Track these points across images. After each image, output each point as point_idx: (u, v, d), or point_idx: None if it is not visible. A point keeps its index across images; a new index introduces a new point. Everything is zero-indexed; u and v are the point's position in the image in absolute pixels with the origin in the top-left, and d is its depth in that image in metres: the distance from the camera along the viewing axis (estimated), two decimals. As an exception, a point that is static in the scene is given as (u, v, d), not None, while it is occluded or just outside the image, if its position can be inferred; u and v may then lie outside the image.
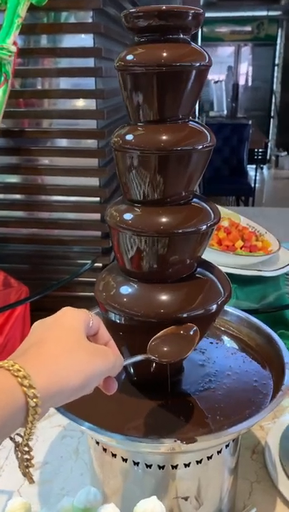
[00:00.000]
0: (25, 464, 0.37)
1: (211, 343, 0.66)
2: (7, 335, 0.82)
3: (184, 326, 0.51)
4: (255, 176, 4.11)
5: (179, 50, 0.47)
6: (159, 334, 0.50)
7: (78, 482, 0.68)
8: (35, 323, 0.40)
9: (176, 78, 0.47)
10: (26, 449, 0.36)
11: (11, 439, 0.36)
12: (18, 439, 0.36)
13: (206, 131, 0.50)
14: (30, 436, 0.35)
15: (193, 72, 0.47)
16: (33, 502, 0.65)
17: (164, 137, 0.48)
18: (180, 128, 0.49)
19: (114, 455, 0.53)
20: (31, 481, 0.38)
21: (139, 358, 0.49)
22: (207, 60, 0.48)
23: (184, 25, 0.47)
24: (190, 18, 0.47)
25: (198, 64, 0.47)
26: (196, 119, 0.53)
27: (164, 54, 0.46)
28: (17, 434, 0.36)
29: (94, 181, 0.98)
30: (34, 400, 0.33)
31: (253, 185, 3.90)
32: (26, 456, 0.36)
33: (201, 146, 0.49)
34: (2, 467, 0.71)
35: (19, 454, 0.37)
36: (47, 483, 0.68)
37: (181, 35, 0.47)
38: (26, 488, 0.67)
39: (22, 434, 0.36)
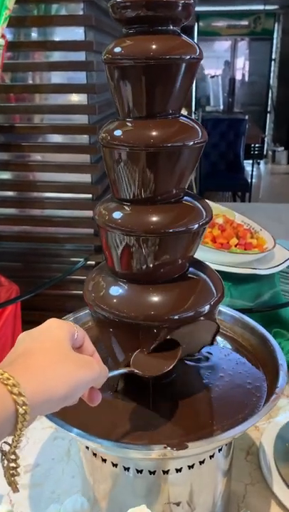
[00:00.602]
0: (11, 472, 0.37)
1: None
2: None
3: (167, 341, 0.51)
4: (252, 171, 4.09)
5: (169, 42, 0.45)
6: (139, 350, 0.51)
7: (69, 485, 0.67)
8: (21, 335, 0.41)
9: (165, 71, 0.45)
10: (13, 457, 0.36)
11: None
12: (6, 447, 0.36)
13: (197, 127, 0.49)
14: (17, 444, 0.35)
15: (184, 66, 0.45)
16: (23, 506, 0.64)
17: (154, 133, 0.46)
18: (170, 123, 0.48)
19: (104, 460, 0.52)
20: (16, 490, 0.38)
21: (123, 371, 0.50)
22: (198, 52, 0.46)
23: (174, 16, 0.45)
24: (180, 8, 0.45)
25: (188, 57, 0.45)
26: (193, 114, 0.51)
27: (153, 46, 0.44)
28: (4, 443, 0.36)
29: (86, 178, 0.97)
30: (23, 407, 0.33)
31: (249, 180, 3.89)
32: (12, 465, 0.36)
33: (191, 143, 0.47)
34: (-8, 470, 0.70)
35: (5, 462, 0.37)
36: (38, 487, 0.67)
37: (171, 27, 0.46)
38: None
39: (10, 442, 0.36)
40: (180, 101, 0.47)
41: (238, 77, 6.04)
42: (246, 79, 6.08)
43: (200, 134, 0.48)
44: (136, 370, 0.49)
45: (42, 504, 0.64)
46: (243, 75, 6.10)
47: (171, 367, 0.50)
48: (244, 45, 6.03)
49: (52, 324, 0.41)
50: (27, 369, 0.36)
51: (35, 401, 0.35)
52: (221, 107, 5.51)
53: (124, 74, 0.46)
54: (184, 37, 0.46)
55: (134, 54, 0.45)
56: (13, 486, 0.37)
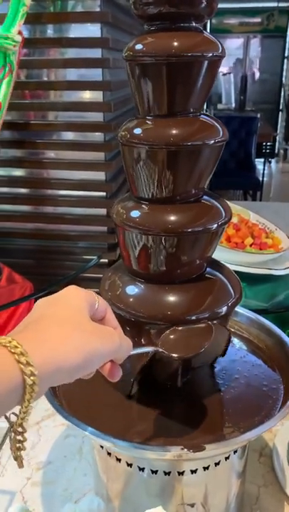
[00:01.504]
0: (17, 445, 0.35)
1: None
2: (10, 331, 0.81)
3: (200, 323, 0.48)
4: (263, 169, 4.06)
5: (191, 40, 0.44)
6: (172, 329, 0.48)
7: (82, 483, 0.67)
8: (39, 301, 0.38)
9: (187, 69, 0.45)
10: (20, 429, 0.34)
11: (6, 418, 0.35)
12: (14, 418, 0.34)
13: (217, 126, 0.48)
14: (25, 416, 0.33)
15: (206, 63, 0.45)
16: (36, 503, 0.64)
17: (174, 131, 0.46)
18: (191, 122, 0.47)
19: (118, 459, 0.52)
20: (21, 465, 0.36)
21: (148, 349, 0.47)
22: (220, 50, 0.45)
23: (197, 12, 0.45)
24: (203, 5, 0.44)
25: (210, 54, 0.45)
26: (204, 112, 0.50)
27: (175, 43, 0.44)
28: (13, 413, 0.34)
29: (100, 175, 0.96)
30: (31, 378, 0.32)
31: (260, 179, 3.86)
32: (19, 438, 0.35)
33: (212, 141, 0.47)
34: (5, 466, 0.70)
35: (12, 434, 0.35)
36: (50, 484, 0.67)
37: (194, 24, 0.45)
38: (29, 488, 0.66)
39: (18, 413, 0.34)
40: (201, 99, 0.47)
41: (250, 74, 5.99)
42: (258, 77, 6.03)
43: (220, 132, 0.48)
44: (163, 350, 0.46)
45: (55, 502, 0.64)
46: (255, 73, 6.05)
47: (202, 349, 0.46)
48: (256, 43, 5.98)
49: (70, 291, 0.39)
50: (37, 337, 0.34)
51: (45, 371, 0.32)
52: (233, 105, 5.47)
53: (145, 71, 0.46)
54: (206, 34, 0.46)
55: (155, 51, 0.44)
56: (19, 460, 0.36)
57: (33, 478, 0.68)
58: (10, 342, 0.32)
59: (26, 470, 0.69)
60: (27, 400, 0.32)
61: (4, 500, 0.64)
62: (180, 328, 0.48)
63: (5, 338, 0.32)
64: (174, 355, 0.46)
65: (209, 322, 0.48)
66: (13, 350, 0.31)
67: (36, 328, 0.35)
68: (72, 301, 0.38)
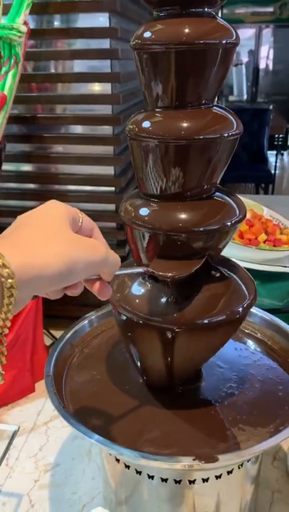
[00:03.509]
0: None
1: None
2: (18, 330, 0.79)
3: None
4: (276, 162, 4.00)
5: (203, 26, 0.42)
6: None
7: (90, 487, 0.65)
8: (20, 215, 0.37)
9: (199, 58, 0.42)
10: None
11: None
12: None
13: (231, 118, 0.45)
14: (5, 323, 0.32)
15: (219, 51, 0.42)
16: (43, 506, 0.62)
17: (185, 124, 0.43)
18: (202, 114, 0.44)
19: (127, 466, 0.50)
20: (2, 378, 0.34)
21: (138, 269, 0.46)
22: (234, 37, 0.43)
23: (209, -4, 0.42)
24: (216, -12, 0.41)
25: (224, 41, 0.42)
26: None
27: (186, 30, 0.41)
28: None
29: (109, 170, 0.93)
30: (9, 280, 0.30)
31: (273, 171, 3.80)
32: None
33: (226, 134, 0.44)
34: (12, 467, 0.69)
35: None
36: (58, 487, 0.66)
37: (206, 9, 0.42)
38: (36, 491, 0.65)
39: None
40: (214, 89, 0.44)
41: (262, 65, 5.89)
42: (270, 68, 5.93)
43: (235, 125, 0.45)
44: (153, 270, 0.45)
45: (62, 505, 0.63)
46: (268, 64, 5.94)
47: (193, 270, 0.45)
48: (269, 33, 5.87)
49: (51, 204, 0.37)
50: (15, 241, 0.33)
51: (24, 276, 0.31)
52: (245, 97, 5.39)
53: (154, 60, 0.43)
54: (220, 19, 0.43)
55: (165, 39, 0.42)
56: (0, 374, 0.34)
57: (41, 481, 0.66)
58: None
59: (34, 472, 0.68)
60: (6, 305, 0.31)
61: (11, 503, 0.63)
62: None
63: None
64: (161, 273, 0.44)
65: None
66: None
67: (14, 235, 0.34)
68: (52, 212, 0.36)
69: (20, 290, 0.31)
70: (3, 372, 0.34)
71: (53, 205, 0.37)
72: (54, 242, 0.34)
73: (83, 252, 0.35)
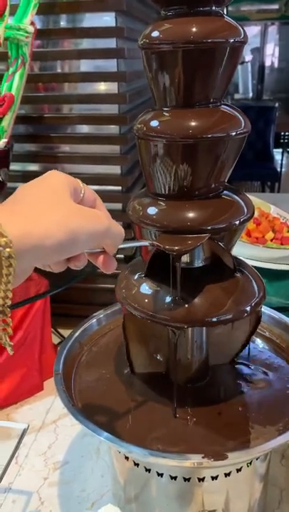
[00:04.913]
0: (1, 328, 0.33)
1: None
2: (26, 329, 0.80)
3: None
4: (282, 160, 3.98)
5: (211, 25, 0.42)
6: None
7: (99, 484, 0.65)
8: (20, 186, 0.36)
9: (206, 56, 0.42)
10: (1, 308, 0.31)
11: None
12: None
13: (239, 116, 0.45)
14: (7, 294, 0.31)
15: (227, 50, 0.42)
16: (53, 504, 0.63)
17: (193, 123, 0.43)
18: (210, 113, 0.44)
19: (136, 464, 0.50)
20: (11, 351, 0.34)
21: (143, 243, 0.45)
22: (242, 35, 0.43)
23: (217, -5, 0.42)
24: (224, -14, 0.41)
25: (232, 40, 0.42)
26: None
27: (194, 29, 0.41)
28: None
29: (115, 169, 0.94)
30: (7, 249, 0.29)
31: (279, 169, 3.78)
32: (3, 321, 0.32)
33: (234, 133, 0.44)
34: (22, 465, 0.69)
35: None
36: (67, 484, 0.66)
37: (214, 8, 0.42)
38: (46, 489, 0.65)
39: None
40: (222, 88, 0.44)
41: (268, 63, 5.86)
42: (276, 65, 5.90)
43: (242, 123, 0.45)
44: (159, 244, 0.44)
45: (71, 502, 0.63)
46: (273, 61, 5.91)
47: (200, 243, 0.44)
48: (274, 30, 5.84)
49: (52, 174, 0.36)
50: (13, 210, 0.32)
51: (23, 245, 0.30)
52: (250, 95, 5.37)
53: (162, 60, 0.43)
54: (227, 18, 0.43)
55: (172, 38, 0.42)
56: (8, 346, 0.33)
57: (50, 478, 0.67)
58: None
59: (43, 470, 0.68)
60: (5, 275, 0.30)
61: (21, 501, 0.64)
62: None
63: None
64: (167, 247, 0.44)
65: None
66: None
67: (13, 204, 0.33)
68: (53, 182, 0.35)
69: (20, 260, 0.30)
70: (12, 343, 0.33)
71: (53, 175, 0.36)
72: (54, 211, 0.32)
73: (85, 222, 0.34)
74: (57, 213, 0.32)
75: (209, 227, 0.45)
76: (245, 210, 0.47)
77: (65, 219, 0.32)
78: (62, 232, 0.32)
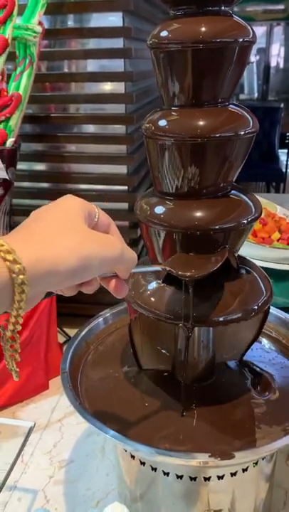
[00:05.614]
0: (9, 353, 0.33)
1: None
2: (32, 328, 0.80)
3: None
4: (287, 160, 3.97)
5: (220, 24, 0.42)
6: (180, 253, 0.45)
7: (104, 483, 0.66)
8: (34, 210, 0.36)
9: (215, 56, 0.42)
10: (9, 334, 0.32)
11: None
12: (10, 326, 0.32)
13: (247, 116, 0.45)
14: (17, 320, 0.31)
15: (236, 49, 0.42)
16: (58, 502, 0.63)
17: (201, 123, 0.43)
18: (219, 112, 0.45)
19: (142, 463, 0.50)
20: (17, 376, 0.34)
21: (155, 268, 0.45)
22: (251, 35, 0.43)
23: (226, -6, 0.42)
24: (233, -14, 0.41)
25: (241, 40, 0.42)
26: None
27: (203, 29, 0.41)
28: (5, 321, 0.32)
29: (122, 169, 0.94)
30: (20, 276, 0.29)
31: (284, 170, 3.78)
32: (11, 347, 0.32)
33: (242, 132, 0.44)
34: (27, 464, 0.69)
35: (5, 343, 0.33)
36: (72, 483, 0.66)
37: (222, 7, 0.42)
38: (51, 487, 0.65)
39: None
40: (230, 88, 0.44)
41: (273, 63, 5.85)
42: (281, 65, 5.88)
43: (251, 123, 0.45)
44: (171, 269, 0.43)
45: (77, 500, 0.63)
46: (278, 62, 5.90)
47: (216, 267, 0.43)
48: (280, 31, 5.82)
49: (67, 198, 0.36)
50: (27, 236, 0.31)
51: (36, 271, 0.30)
52: (256, 95, 5.36)
53: (170, 59, 0.43)
54: (236, 18, 0.43)
55: (182, 38, 0.42)
56: (14, 372, 0.34)
57: (56, 477, 0.67)
58: None
59: (49, 468, 0.69)
60: (17, 302, 0.30)
61: (27, 499, 0.64)
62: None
63: None
64: (180, 273, 0.43)
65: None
66: None
67: (27, 230, 0.32)
68: (68, 207, 0.35)
69: (33, 286, 0.30)
70: (18, 370, 0.33)
71: (68, 200, 0.36)
72: (68, 237, 0.32)
73: (98, 248, 0.34)
74: (70, 239, 0.32)
75: (217, 227, 0.45)
76: (253, 209, 0.47)
77: (78, 245, 0.32)
78: (74, 258, 0.32)
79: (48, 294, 0.78)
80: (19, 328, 0.31)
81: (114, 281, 0.39)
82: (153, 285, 0.51)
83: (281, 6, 5.59)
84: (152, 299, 0.50)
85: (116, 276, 0.39)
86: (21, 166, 0.96)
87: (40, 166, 1.00)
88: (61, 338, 0.91)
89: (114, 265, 0.37)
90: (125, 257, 0.36)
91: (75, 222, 0.34)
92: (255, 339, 0.56)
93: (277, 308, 0.64)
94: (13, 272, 0.29)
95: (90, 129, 0.95)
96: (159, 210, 0.48)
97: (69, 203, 0.35)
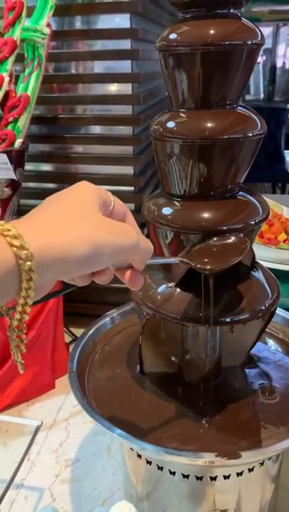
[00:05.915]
0: (16, 343, 0.32)
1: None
2: (39, 328, 0.81)
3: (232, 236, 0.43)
4: (293, 161, 3.96)
5: (228, 27, 0.42)
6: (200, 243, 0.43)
7: (110, 482, 0.66)
8: (48, 196, 0.34)
9: (224, 59, 0.42)
10: (15, 323, 0.31)
11: (6, 313, 0.32)
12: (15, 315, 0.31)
13: (255, 118, 0.46)
14: (25, 308, 0.30)
15: (244, 52, 0.42)
16: (64, 501, 0.63)
17: (210, 124, 0.44)
18: (227, 114, 0.45)
19: (149, 462, 0.51)
20: (22, 369, 0.33)
21: (171, 260, 0.43)
22: (259, 37, 0.43)
23: (235, -3, 0.42)
24: (242, -11, 0.42)
25: (249, 42, 0.42)
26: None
27: (212, 32, 0.41)
28: (12, 309, 0.31)
29: (128, 170, 0.94)
30: (28, 263, 0.28)
31: (290, 171, 3.77)
32: (18, 333, 0.31)
33: (250, 134, 0.44)
34: (33, 462, 0.70)
35: (12, 333, 0.32)
36: (78, 482, 0.67)
37: (231, 10, 0.43)
38: (57, 486, 0.66)
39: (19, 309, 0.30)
40: (239, 90, 0.45)
41: (279, 64, 5.83)
42: (287, 66, 5.86)
43: (259, 124, 0.45)
44: (190, 262, 0.40)
45: (83, 500, 0.64)
46: (285, 62, 5.88)
47: (233, 263, 0.41)
48: (286, 31, 5.80)
49: (81, 185, 0.34)
50: (36, 222, 0.30)
51: (45, 258, 0.29)
52: (262, 96, 5.35)
53: (179, 62, 0.44)
54: (245, 20, 0.43)
55: (190, 40, 0.42)
56: (19, 364, 0.33)
57: (62, 476, 0.68)
58: (2, 225, 0.28)
59: (55, 467, 0.69)
60: (24, 289, 0.28)
61: (33, 497, 0.64)
62: (208, 244, 0.43)
63: None
64: (199, 266, 0.41)
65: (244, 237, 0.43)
66: (5, 233, 0.28)
67: (38, 215, 0.31)
68: (82, 193, 0.33)
69: (41, 274, 0.29)
70: (23, 362, 0.33)
71: (82, 186, 0.34)
72: (80, 223, 0.31)
73: (111, 236, 0.32)
74: (82, 226, 0.31)
75: (225, 228, 0.46)
76: (261, 210, 0.48)
77: (91, 233, 0.31)
78: (86, 246, 0.30)
79: (67, 288, 0.79)
80: (26, 317, 0.30)
81: (130, 272, 0.37)
82: (161, 285, 0.51)
83: (288, 7, 5.58)
84: (159, 297, 0.50)
85: (131, 267, 0.37)
86: (28, 166, 0.97)
87: (47, 167, 1.00)
88: (67, 338, 0.91)
89: (129, 255, 0.35)
90: (140, 246, 0.35)
91: (89, 209, 0.32)
92: (258, 339, 0.56)
93: (283, 309, 0.64)
94: (20, 258, 0.28)
95: (97, 130, 0.95)
96: (167, 211, 0.48)
97: (83, 190, 0.34)
